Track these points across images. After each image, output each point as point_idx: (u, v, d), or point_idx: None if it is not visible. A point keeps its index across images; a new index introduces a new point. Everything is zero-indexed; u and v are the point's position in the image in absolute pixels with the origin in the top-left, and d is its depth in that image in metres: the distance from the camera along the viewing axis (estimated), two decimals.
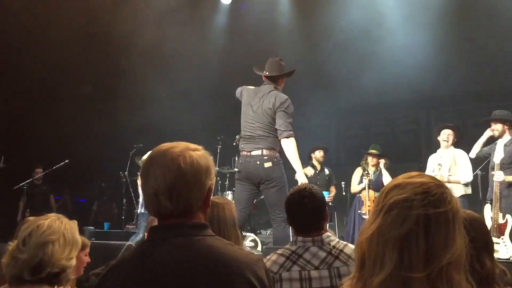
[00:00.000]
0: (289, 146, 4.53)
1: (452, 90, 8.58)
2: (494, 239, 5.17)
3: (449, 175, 5.95)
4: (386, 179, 6.72)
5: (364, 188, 6.69)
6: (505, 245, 5.15)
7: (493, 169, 5.51)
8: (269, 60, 4.98)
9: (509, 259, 5.12)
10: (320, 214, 2.42)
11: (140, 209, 6.69)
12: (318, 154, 7.44)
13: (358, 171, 7.04)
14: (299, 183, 4.38)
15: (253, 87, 5.00)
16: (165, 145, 1.53)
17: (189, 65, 8.39)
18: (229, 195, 8.02)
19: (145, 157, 1.61)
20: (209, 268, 1.38)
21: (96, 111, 9.09)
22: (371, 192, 6.65)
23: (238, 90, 5.16)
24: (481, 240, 2.28)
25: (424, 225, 1.13)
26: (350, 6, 7.67)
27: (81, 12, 7.62)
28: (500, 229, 5.24)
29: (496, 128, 5.69)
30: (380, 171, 6.84)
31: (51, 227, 1.98)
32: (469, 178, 5.98)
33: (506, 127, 5.68)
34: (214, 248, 1.43)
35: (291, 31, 8.49)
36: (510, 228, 5.22)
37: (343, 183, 7.52)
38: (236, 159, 5.16)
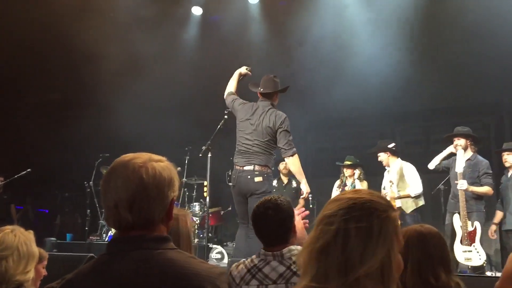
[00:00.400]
0: (295, 163, 4.84)
1: (417, 105, 8.80)
2: (466, 247, 5.33)
3: (398, 191, 6.09)
4: None
5: None
6: (477, 252, 5.30)
7: (455, 179, 5.72)
8: (263, 77, 5.17)
9: (482, 265, 5.28)
10: (285, 227, 2.40)
11: None
12: (282, 166, 7.45)
13: (336, 184, 7.11)
14: (304, 193, 4.85)
15: (248, 102, 5.14)
16: (127, 156, 1.49)
17: (157, 76, 8.33)
18: (196, 206, 7.97)
19: None
20: (169, 282, 1.35)
21: (61, 119, 8.90)
22: None
23: (229, 98, 5.28)
24: (437, 254, 2.35)
25: (343, 238, 1.18)
26: (321, 20, 7.78)
27: (46, 19, 7.46)
28: (470, 237, 5.40)
29: (460, 143, 5.89)
30: (355, 182, 6.91)
31: (3, 242, 1.91)
32: (419, 190, 6.16)
33: (468, 143, 5.89)
34: (174, 261, 1.40)
35: (262, 44, 8.54)
36: (479, 234, 5.40)
37: (310, 195, 7.56)
38: (230, 173, 5.22)
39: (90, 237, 7.50)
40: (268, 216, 2.38)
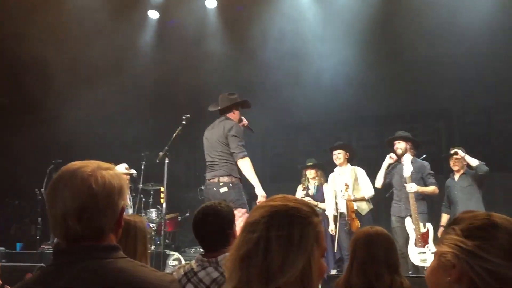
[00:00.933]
0: (245, 166, 4.90)
1: (372, 111, 9.00)
2: (420, 249, 5.49)
3: (352, 193, 6.27)
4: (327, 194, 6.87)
5: None
6: (432, 253, 5.45)
7: (399, 183, 5.96)
8: (220, 95, 5.30)
9: None
10: (224, 232, 2.42)
11: None
12: None
13: (299, 189, 7.12)
14: (258, 198, 4.87)
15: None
16: (75, 164, 1.44)
17: (113, 81, 8.18)
18: (153, 213, 7.85)
19: None
20: None
21: (11, 124, 8.58)
22: None
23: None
24: (382, 256, 2.42)
25: (264, 246, 1.18)
26: (278, 26, 7.86)
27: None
28: (423, 239, 5.56)
29: (400, 146, 6.15)
30: (320, 184, 6.94)
31: None
32: (372, 192, 6.39)
33: (408, 146, 6.12)
34: (125, 271, 1.36)
35: (219, 49, 8.54)
36: (432, 235, 5.58)
37: (257, 202, 7.57)
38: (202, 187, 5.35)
39: (42, 246, 7.24)
40: (207, 222, 2.41)
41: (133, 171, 6.79)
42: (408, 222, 5.74)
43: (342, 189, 6.27)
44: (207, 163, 5.09)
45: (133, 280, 1.35)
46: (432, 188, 5.94)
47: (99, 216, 1.38)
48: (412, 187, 5.72)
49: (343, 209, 6.28)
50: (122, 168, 6.57)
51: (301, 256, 1.18)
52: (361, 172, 6.53)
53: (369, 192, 6.37)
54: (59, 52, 7.52)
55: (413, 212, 5.64)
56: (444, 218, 6.29)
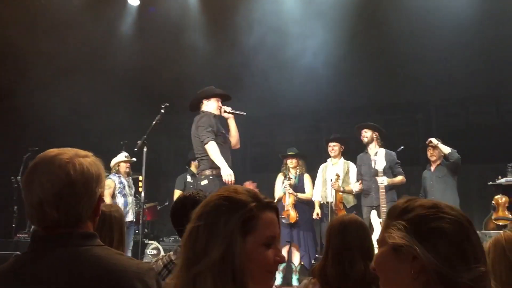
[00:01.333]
0: (210, 150, 4.96)
1: (351, 102, 9.06)
2: None
3: (342, 185, 6.39)
4: (307, 185, 6.91)
5: (285, 194, 6.77)
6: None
7: (368, 175, 6.13)
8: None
9: None
10: None
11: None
12: None
13: (280, 178, 7.12)
14: (224, 177, 4.89)
15: None
16: (52, 151, 1.43)
17: (92, 69, 8.05)
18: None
19: None
20: (97, 279, 1.31)
21: None
22: (292, 197, 6.72)
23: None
24: (356, 243, 2.44)
25: (194, 234, 1.25)
26: (260, 15, 7.81)
27: None
28: None
29: (366, 135, 6.33)
30: (302, 174, 6.98)
31: None
32: (358, 188, 6.47)
33: (374, 136, 6.27)
34: (101, 258, 1.37)
35: (201, 37, 8.47)
36: None
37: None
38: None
39: (18, 235, 7.14)
40: (186, 212, 2.39)
41: (133, 159, 6.75)
42: (374, 214, 5.87)
43: (332, 178, 6.34)
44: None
45: (109, 268, 1.35)
46: (400, 178, 6.17)
47: (76, 203, 1.38)
48: (383, 181, 5.84)
49: (329, 199, 6.36)
50: (122, 156, 6.47)
51: (223, 240, 1.19)
52: (352, 167, 6.67)
53: (357, 187, 6.45)
54: (36, 39, 7.35)
55: (381, 205, 5.76)
56: None
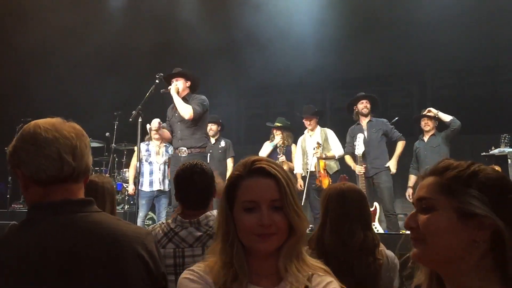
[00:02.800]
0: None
1: (345, 73, 9.02)
2: None
3: (324, 153, 6.36)
4: (294, 154, 6.92)
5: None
6: (377, 230, 5.66)
7: (356, 160, 6.06)
8: None
9: None
10: (208, 192, 2.46)
11: (140, 187, 6.36)
12: (208, 128, 7.28)
13: (266, 144, 7.11)
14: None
15: None
16: (45, 119, 1.47)
17: (84, 40, 7.93)
18: (126, 173, 7.80)
19: None
20: (97, 244, 1.33)
21: None
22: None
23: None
24: (355, 212, 2.41)
25: None
26: None
27: None
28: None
29: (367, 106, 6.28)
30: (289, 145, 6.97)
31: None
32: (341, 152, 6.48)
33: (369, 106, 6.30)
34: (101, 224, 1.38)
35: (193, 10, 8.34)
36: (378, 214, 5.80)
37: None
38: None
39: (13, 205, 7.15)
40: (193, 180, 2.39)
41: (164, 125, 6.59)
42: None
43: (314, 147, 6.33)
44: None
45: (110, 232, 1.37)
46: (402, 144, 6.20)
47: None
48: (360, 171, 5.89)
49: (312, 168, 6.34)
50: (154, 123, 6.25)
51: (219, 212, 1.37)
52: (330, 133, 6.65)
53: (338, 151, 6.48)
54: (25, 11, 7.22)
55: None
56: (412, 179, 6.46)
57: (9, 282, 1.27)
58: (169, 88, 5.37)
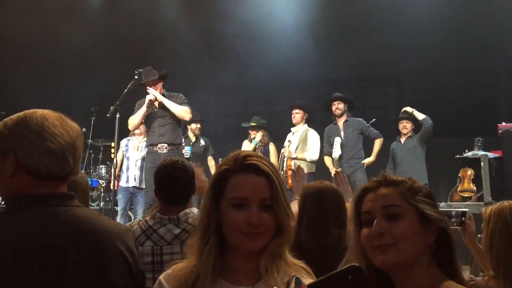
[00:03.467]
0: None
1: (323, 74, 9.08)
2: None
3: (296, 152, 6.31)
4: (272, 155, 6.87)
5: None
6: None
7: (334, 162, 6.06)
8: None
9: None
10: (189, 189, 2.44)
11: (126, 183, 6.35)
12: (194, 126, 7.28)
13: (245, 143, 7.07)
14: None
15: None
16: (52, 112, 1.45)
17: (62, 35, 7.80)
18: (102, 169, 7.72)
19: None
20: (80, 238, 1.33)
21: None
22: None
23: None
24: (331, 211, 2.43)
25: None
26: None
27: None
28: None
29: (339, 107, 6.31)
30: (267, 144, 6.89)
31: None
32: (314, 157, 6.34)
33: (345, 108, 6.35)
34: (83, 218, 1.38)
35: (172, 5, 8.30)
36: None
37: (220, 159, 7.57)
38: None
39: None
40: (175, 176, 2.38)
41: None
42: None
43: (285, 144, 6.32)
44: None
45: (91, 227, 1.37)
46: (379, 142, 6.27)
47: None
48: (334, 170, 5.89)
49: (283, 167, 6.30)
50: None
51: (203, 206, 1.32)
52: (311, 135, 6.46)
53: (311, 155, 6.30)
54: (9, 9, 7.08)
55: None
56: None
57: None
58: (152, 97, 5.26)
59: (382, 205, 1.24)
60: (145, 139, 6.48)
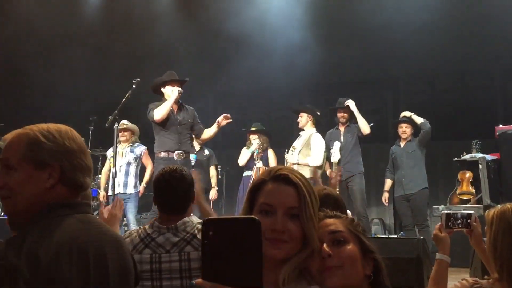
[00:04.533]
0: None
1: (321, 78, 9.11)
2: None
3: (299, 157, 6.22)
4: (271, 161, 6.87)
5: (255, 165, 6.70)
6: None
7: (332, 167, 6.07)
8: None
9: None
10: (187, 197, 2.45)
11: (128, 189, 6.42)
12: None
13: (244, 150, 7.06)
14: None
15: None
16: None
17: (62, 43, 7.83)
18: (102, 179, 7.70)
19: (7, 136, 1.49)
20: (110, 241, 1.43)
21: None
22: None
23: None
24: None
25: None
26: None
27: None
28: None
29: (344, 115, 6.33)
30: (266, 150, 6.91)
31: None
32: (318, 162, 6.16)
33: (349, 116, 6.34)
34: (104, 225, 1.51)
35: (170, 13, 8.33)
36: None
37: (219, 166, 7.60)
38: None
39: None
40: (172, 185, 2.40)
41: (125, 122, 6.49)
42: None
43: (289, 151, 6.32)
44: None
45: (112, 232, 1.50)
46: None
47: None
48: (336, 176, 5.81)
49: None
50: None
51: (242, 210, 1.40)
52: (315, 139, 6.26)
53: (314, 161, 6.15)
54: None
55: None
56: (388, 183, 6.56)
57: (64, 270, 1.27)
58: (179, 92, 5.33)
59: (329, 231, 1.36)
60: (130, 145, 6.51)
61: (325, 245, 1.33)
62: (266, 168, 6.72)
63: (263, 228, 1.20)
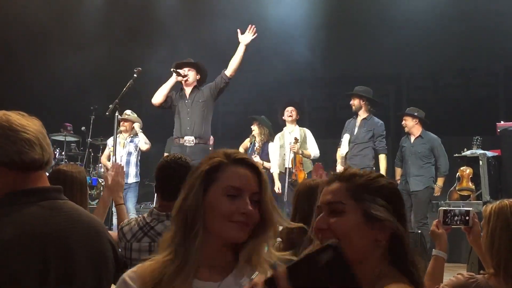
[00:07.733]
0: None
1: (324, 72, 9.08)
2: None
3: (302, 149, 6.29)
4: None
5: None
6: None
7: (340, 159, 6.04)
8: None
9: None
10: None
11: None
12: None
13: (246, 142, 7.07)
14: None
15: None
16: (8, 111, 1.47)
17: (61, 34, 7.81)
18: (102, 168, 7.72)
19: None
20: (81, 228, 1.43)
21: None
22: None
23: None
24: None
25: None
26: None
27: None
28: None
29: (354, 103, 6.17)
30: (266, 141, 6.85)
31: None
32: (317, 153, 6.46)
33: (362, 102, 6.16)
34: (78, 210, 1.49)
35: (173, 4, 8.32)
36: None
37: None
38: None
39: None
40: (174, 171, 2.39)
41: (128, 113, 6.50)
42: None
43: (291, 141, 6.29)
44: None
45: (88, 219, 1.50)
46: (382, 160, 6.06)
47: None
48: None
49: (289, 164, 6.25)
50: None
51: (186, 189, 1.31)
52: (309, 133, 6.60)
53: (315, 152, 6.47)
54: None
55: None
56: (398, 172, 6.52)
57: (17, 261, 1.29)
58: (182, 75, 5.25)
59: (327, 201, 1.28)
60: (131, 136, 6.51)
61: (319, 216, 1.27)
62: (265, 162, 6.68)
63: (231, 212, 1.25)
